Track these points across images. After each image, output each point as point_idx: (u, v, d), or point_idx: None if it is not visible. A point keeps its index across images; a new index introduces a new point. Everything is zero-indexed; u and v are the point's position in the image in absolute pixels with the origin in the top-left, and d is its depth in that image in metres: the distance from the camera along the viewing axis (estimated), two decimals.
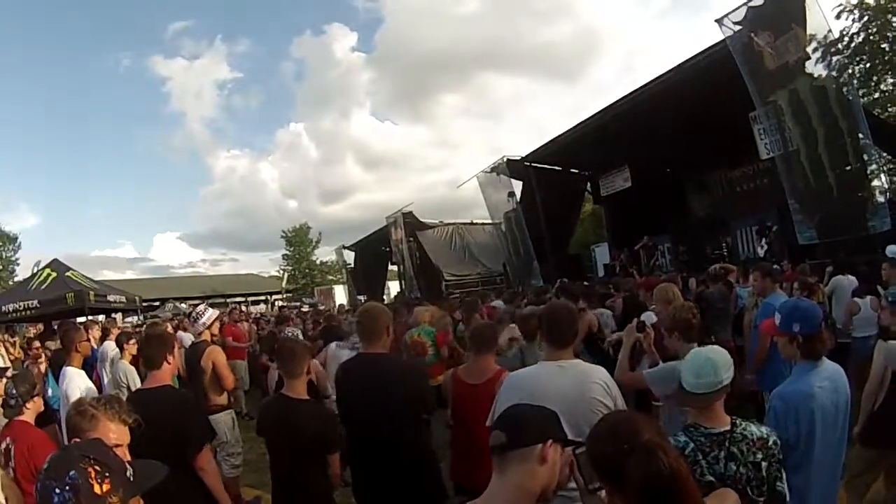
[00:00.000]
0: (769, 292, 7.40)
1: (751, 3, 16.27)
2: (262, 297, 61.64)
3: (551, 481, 2.30)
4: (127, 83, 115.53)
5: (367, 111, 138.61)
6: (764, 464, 3.01)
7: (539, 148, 26.54)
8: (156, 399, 4.69)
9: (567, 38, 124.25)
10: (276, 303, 57.01)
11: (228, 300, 54.11)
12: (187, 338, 11.45)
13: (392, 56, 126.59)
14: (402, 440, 4.34)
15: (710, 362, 3.15)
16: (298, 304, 48.85)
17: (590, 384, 3.71)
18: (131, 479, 2.09)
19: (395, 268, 40.45)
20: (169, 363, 5.03)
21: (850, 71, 27.36)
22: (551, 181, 27.85)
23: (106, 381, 9.56)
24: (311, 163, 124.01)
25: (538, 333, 4.95)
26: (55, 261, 17.76)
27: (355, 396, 4.53)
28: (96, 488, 1.94)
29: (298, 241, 69.62)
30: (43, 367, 10.08)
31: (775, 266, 12.70)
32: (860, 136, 16.08)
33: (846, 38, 28.17)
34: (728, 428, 3.04)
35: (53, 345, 11.51)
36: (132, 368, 8.80)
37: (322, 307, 35.31)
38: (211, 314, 8.28)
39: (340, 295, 49.15)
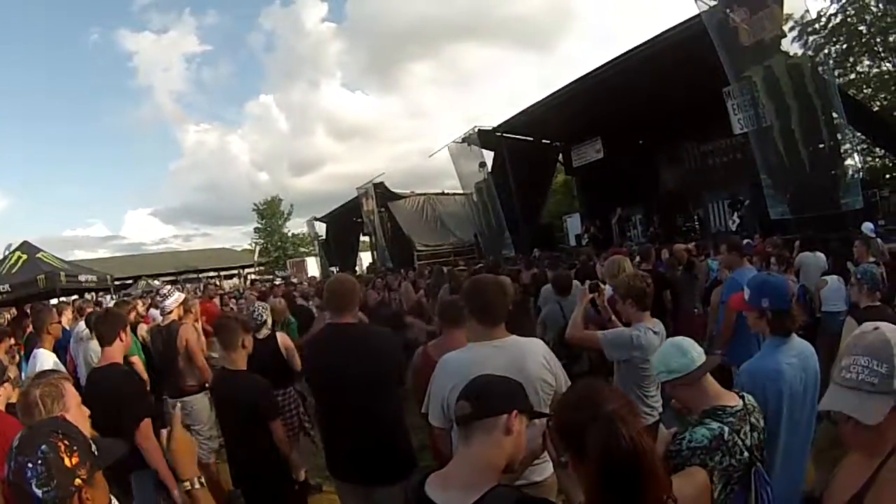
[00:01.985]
0: (736, 266, 7.16)
1: None
2: (236, 272, 61.23)
3: (517, 452, 2.32)
4: (95, 58, 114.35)
5: (337, 82, 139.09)
6: (764, 427, 3.06)
7: (511, 118, 26.62)
8: (102, 377, 4.80)
9: (540, 10, 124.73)
10: (249, 276, 56.71)
11: (202, 275, 54.30)
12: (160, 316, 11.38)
13: (363, 26, 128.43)
14: (373, 410, 4.22)
15: (675, 347, 3.13)
16: (271, 276, 48.71)
17: (529, 362, 3.55)
18: (96, 454, 2.10)
19: (366, 239, 40.49)
20: (122, 340, 5.05)
21: (826, 51, 27.81)
22: (523, 152, 27.95)
23: (79, 360, 9.47)
24: (282, 135, 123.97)
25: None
26: (25, 243, 17.42)
27: (325, 367, 4.40)
28: (66, 461, 1.97)
29: (270, 213, 68.52)
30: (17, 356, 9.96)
31: (746, 240, 12.87)
32: (834, 115, 16.24)
33: (823, 19, 28.39)
34: (742, 403, 3.01)
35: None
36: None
37: (294, 280, 35.41)
38: (175, 298, 8.08)
39: (313, 267, 48.56)
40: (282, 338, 6.81)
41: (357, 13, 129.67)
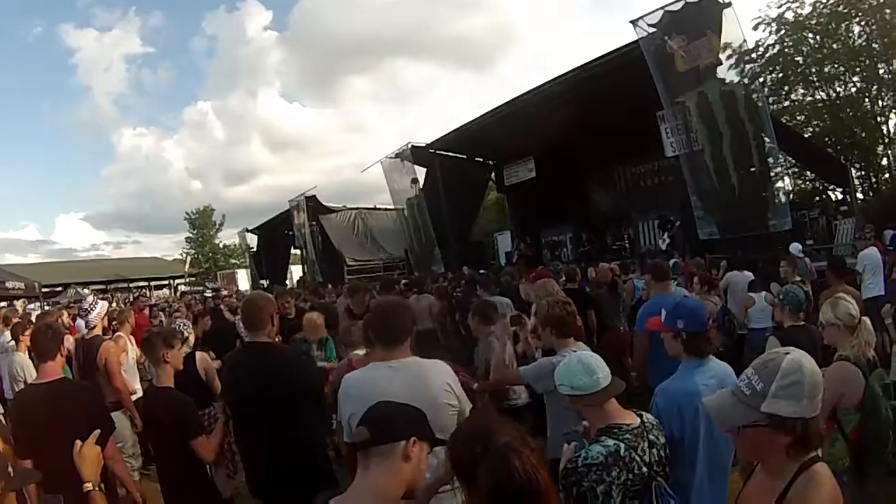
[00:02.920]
0: (660, 291, 7.05)
1: (668, 7, 16.77)
2: (166, 282, 60.19)
3: (417, 479, 2.35)
4: (35, 52, 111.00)
5: (276, 92, 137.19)
6: (666, 445, 3.18)
7: (445, 135, 26.77)
8: (58, 393, 4.57)
9: (481, 30, 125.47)
10: (180, 287, 55.82)
11: (132, 285, 53.31)
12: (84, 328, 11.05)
13: (305, 37, 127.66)
14: (289, 431, 4.19)
15: (581, 364, 3.18)
16: (201, 288, 47.99)
17: (430, 384, 3.51)
18: (11, 475, 2.23)
19: (298, 252, 40.05)
20: (62, 354, 4.89)
21: (761, 79, 28.49)
22: (455, 169, 28.10)
23: (3, 372, 9.12)
24: (217, 143, 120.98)
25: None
26: None
27: (241, 387, 4.40)
28: None
29: (202, 223, 67.39)
30: None
31: (674, 260, 13.31)
32: (766, 139, 16.80)
33: (761, 48, 29.26)
34: (640, 420, 3.12)
35: None
36: (28, 361, 8.37)
37: (224, 292, 34.83)
38: (98, 311, 7.84)
39: (243, 279, 48.38)
40: (200, 357, 6.53)
41: (300, 23, 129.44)
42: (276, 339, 5.26)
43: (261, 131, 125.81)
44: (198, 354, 6.61)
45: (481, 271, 17.82)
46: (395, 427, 2.28)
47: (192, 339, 6.83)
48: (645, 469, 2.94)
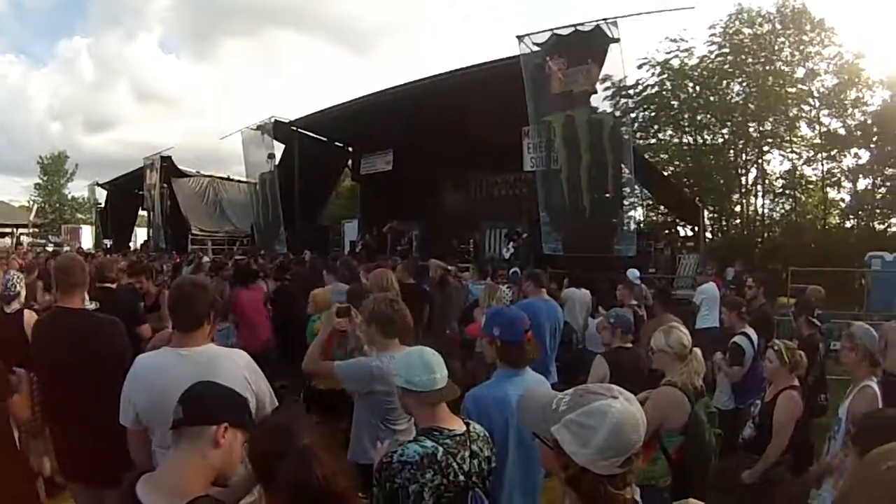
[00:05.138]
0: (532, 295, 7.56)
1: (558, 31, 17.14)
2: (9, 230, 57.06)
3: (228, 467, 2.29)
4: None
5: (155, 39, 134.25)
6: (492, 458, 3.11)
7: (309, 115, 26.66)
8: None
9: (366, 14, 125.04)
10: (22, 237, 53.00)
11: None
12: None
13: None
14: (97, 405, 3.86)
15: (422, 361, 3.07)
16: (44, 241, 45.82)
17: (221, 375, 3.17)
18: None
19: (145, 214, 38.59)
20: None
21: (633, 114, 29.75)
22: (314, 150, 27.93)
23: None
24: (85, 85, 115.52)
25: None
26: None
27: (47, 355, 4.20)
28: None
29: (54, 170, 63.90)
30: None
31: (514, 269, 13.45)
32: (625, 170, 17.54)
33: (640, 87, 30.62)
34: (465, 429, 3.05)
35: None
36: None
37: (67, 248, 33.54)
38: None
39: (87, 236, 46.55)
40: (29, 315, 5.87)
41: None
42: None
43: (131, 78, 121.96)
44: (26, 312, 6.00)
45: (313, 255, 17.55)
46: (207, 410, 2.24)
47: (23, 293, 6.10)
48: (462, 477, 2.89)
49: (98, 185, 42.20)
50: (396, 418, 4.30)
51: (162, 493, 2.11)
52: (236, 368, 3.40)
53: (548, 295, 8.95)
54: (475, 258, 20.40)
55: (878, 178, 28.74)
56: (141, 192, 36.03)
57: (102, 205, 41.97)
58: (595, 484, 1.81)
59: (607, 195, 17.65)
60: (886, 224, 28.73)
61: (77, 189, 63.89)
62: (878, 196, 28.69)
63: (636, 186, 20.45)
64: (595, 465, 1.78)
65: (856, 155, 29.01)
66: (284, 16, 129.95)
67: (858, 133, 28.54)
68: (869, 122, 28.24)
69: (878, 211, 28.84)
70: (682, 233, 27.74)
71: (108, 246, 34.41)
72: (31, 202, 62.79)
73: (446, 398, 3.04)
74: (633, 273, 12.64)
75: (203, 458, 2.18)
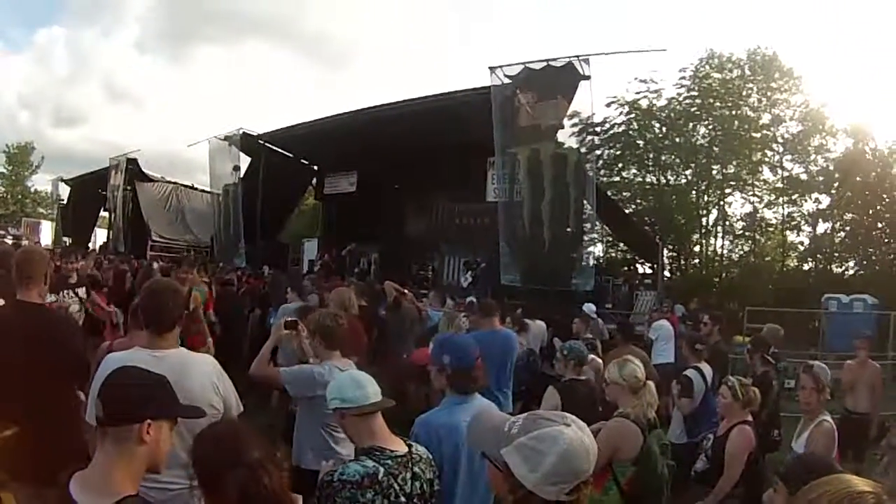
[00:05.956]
0: (484, 326, 7.44)
1: (530, 65, 17.35)
2: None
3: (157, 458, 2.26)
4: None
5: (132, 38, 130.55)
6: (435, 480, 3.12)
7: (277, 130, 26.50)
8: None
9: (343, 33, 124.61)
10: None
11: None
12: None
13: None
14: (49, 403, 3.87)
15: (352, 379, 3.15)
16: (3, 232, 45.25)
17: (192, 379, 3.39)
18: None
19: (106, 215, 38.24)
20: None
21: (599, 151, 29.93)
22: (279, 166, 27.68)
23: None
24: (58, 77, 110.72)
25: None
26: None
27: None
28: None
29: (20, 160, 62.69)
30: None
31: (470, 298, 13.45)
32: (586, 206, 17.73)
33: (607, 125, 31.05)
34: (407, 450, 3.06)
35: None
36: None
37: (25, 241, 32.80)
38: None
39: (46, 232, 45.67)
40: None
41: None
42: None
43: (104, 76, 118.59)
44: None
45: (273, 271, 17.62)
46: (128, 409, 2.18)
47: None
48: (404, 499, 2.89)
49: (62, 180, 41.91)
50: (337, 426, 4.31)
51: (92, 491, 2.11)
52: (206, 373, 3.48)
53: (514, 324, 9.16)
54: (433, 284, 20.36)
55: (838, 223, 29.23)
56: (104, 193, 35.69)
57: (65, 201, 41.69)
58: None
59: (568, 229, 17.90)
60: (844, 267, 29.22)
61: (40, 183, 62.94)
62: (837, 240, 29.24)
63: (597, 223, 20.64)
64: (542, 490, 1.80)
65: (816, 199, 29.53)
66: (261, 27, 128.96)
67: (820, 178, 29.06)
68: (831, 168, 28.73)
69: (836, 254, 29.31)
70: (640, 270, 27.80)
71: (67, 244, 33.99)
72: None
73: (380, 408, 3.08)
74: (589, 307, 12.78)
75: (130, 457, 2.17)
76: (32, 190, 63.16)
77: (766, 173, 31.02)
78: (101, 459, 2.18)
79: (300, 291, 10.24)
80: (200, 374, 3.43)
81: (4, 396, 3.88)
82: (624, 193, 32.07)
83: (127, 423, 2.14)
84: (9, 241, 30.84)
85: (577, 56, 16.45)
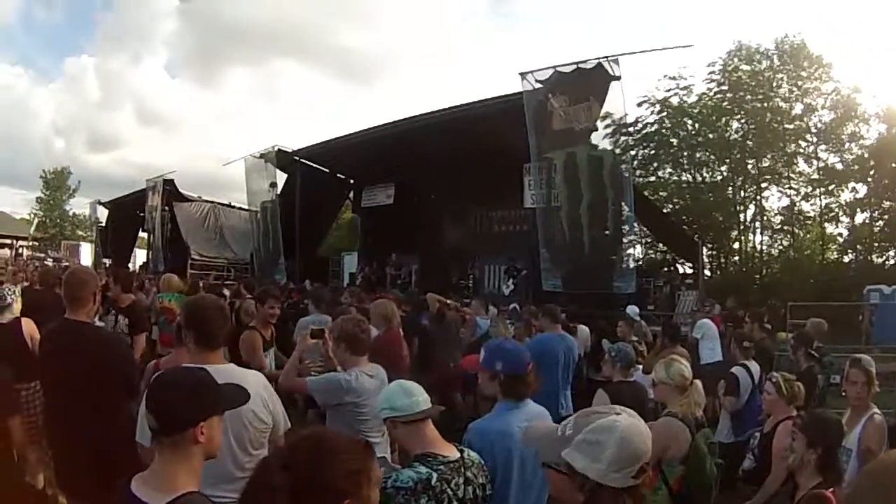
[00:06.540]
0: (548, 330, 7.90)
1: (560, 68, 17.19)
2: (9, 241, 56.87)
3: (211, 450, 2.38)
4: None
5: (161, 63, 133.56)
6: (487, 485, 3.13)
7: (312, 145, 26.56)
8: None
9: (370, 47, 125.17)
10: (22, 251, 52.82)
11: None
12: None
13: (203, 12, 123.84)
14: (101, 420, 3.96)
15: (401, 388, 3.18)
16: (43, 255, 45.78)
17: None
18: None
19: (145, 235, 38.30)
20: None
21: (633, 152, 29.95)
22: (316, 181, 27.71)
23: None
24: (90, 104, 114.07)
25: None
26: None
27: (55, 364, 4.20)
28: None
29: (57, 185, 64.13)
30: None
31: (513, 305, 13.90)
32: (624, 207, 17.45)
33: (640, 124, 30.82)
34: (459, 455, 3.07)
35: None
36: None
37: (66, 263, 33.09)
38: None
39: (86, 254, 46.37)
40: (27, 325, 5.94)
41: None
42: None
43: (136, 101, 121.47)
44: (23, 320, 6.05)
45: (315, 285, 17.56)
46: (181, 417, 2.26)
47: (16, 306, 6.19)
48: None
49: (100, 203, 42.09)
50: (369, 430, 4.43)
51: (154, 489, 2.21)
52: (256, 389, 3.42)
53: (563, 330, 9.22)
54: (475, 293, 20.31)
55: (876, 212, 28.73)
56: (142, 214, 35.93)
57: (103, 223, 41.89)
58: (615, 499, 1.89)
59: (607, 232, 17.86)
60: (884, 257, 28.75)
61: (78, 206, 63.77)
62: (876, 229, 28.69)
63: (635, 224, 20.46)
64: (610, 478, 1.86)
65: (853, 189, 29.15)
66: (288, 46, 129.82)
67: (855, 167, 28.70)
68: (866, 155, 28.34)
69: (875, 244, 28.81)
70: (681, 270, 27.23)
71: (108, 265, 34.16)
72: (33, 215, 62.72)
73: (429, 416, 3.11)
74: (632, 310, 12.93)
75: (188, 457, 2.27)
76: (71, 213, 64.19)
77: (802, 165, 30.62)
78: (160, 465, 2.27)
79: (318, 303, 10.14)
80: (252, 389, 3.21)
81: (57, 413, 4.08)
82: (660, 193, 31.79)
83: (181, 431, 2.24)
84: (49, 262, 31.32)
85: (606, 57, 16.37)
